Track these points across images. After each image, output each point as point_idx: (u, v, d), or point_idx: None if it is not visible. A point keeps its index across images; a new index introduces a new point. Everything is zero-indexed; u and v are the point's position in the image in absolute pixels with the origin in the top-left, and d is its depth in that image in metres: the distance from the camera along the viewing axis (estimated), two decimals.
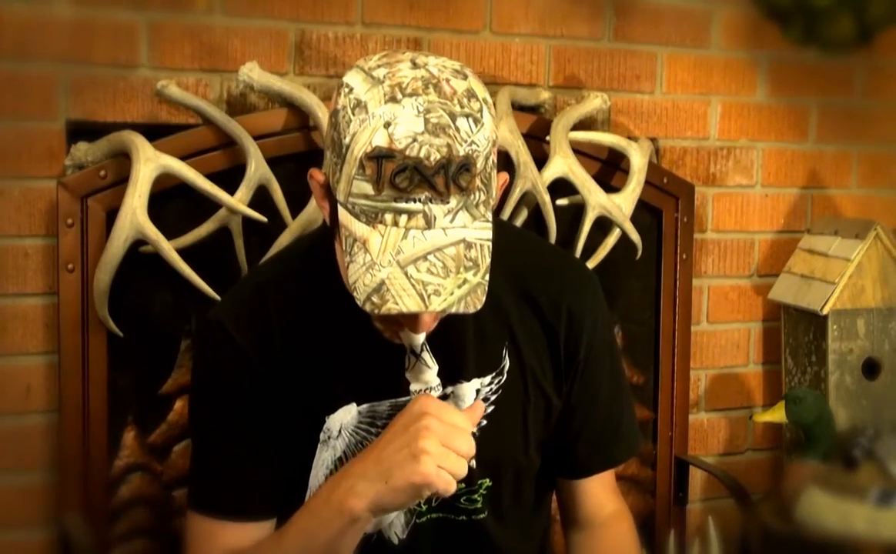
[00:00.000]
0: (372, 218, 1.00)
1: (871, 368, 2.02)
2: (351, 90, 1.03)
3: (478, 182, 1.01)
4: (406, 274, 0.98)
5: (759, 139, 2.13)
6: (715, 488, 2.08)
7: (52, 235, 1.60)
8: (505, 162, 1.74)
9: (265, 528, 1.21)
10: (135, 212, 1.54)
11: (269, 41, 1.73)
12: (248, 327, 1.19)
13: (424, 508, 1.23)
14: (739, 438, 2.18)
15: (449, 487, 1.04)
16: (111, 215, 1.57)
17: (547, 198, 1.79)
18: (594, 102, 1.93)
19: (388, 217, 0.99)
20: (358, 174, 0.99)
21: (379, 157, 0.98)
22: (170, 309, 1.66)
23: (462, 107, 1.00)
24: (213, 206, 1.62)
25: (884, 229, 2.00)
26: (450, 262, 0.99)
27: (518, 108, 1.86)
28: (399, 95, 0.99)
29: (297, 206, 1.65)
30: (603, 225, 1.88)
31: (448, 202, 0.99)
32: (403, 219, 0.99)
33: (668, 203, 1.98)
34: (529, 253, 1.32)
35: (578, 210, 1.86)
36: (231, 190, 1.61)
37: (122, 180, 1.57)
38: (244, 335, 1.19)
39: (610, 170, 1.93)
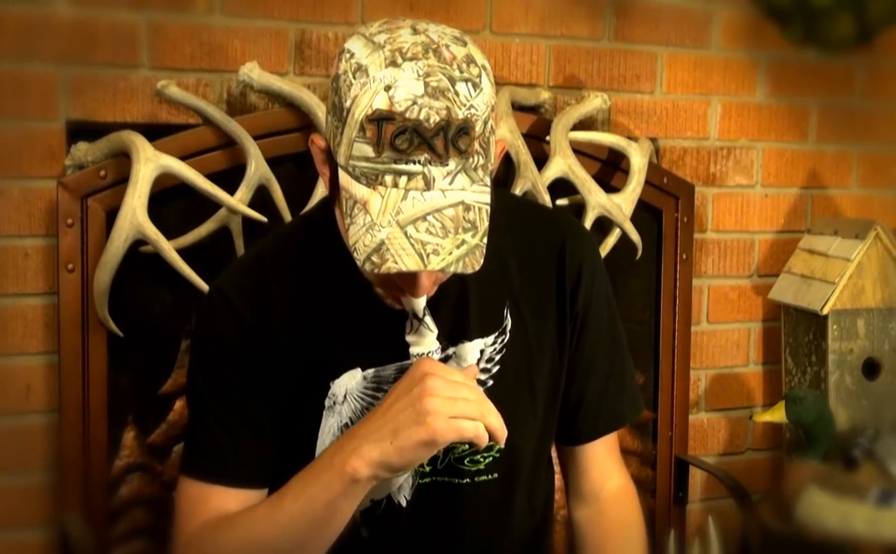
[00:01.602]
0: (372, 180, 1.01)
1: (871, 368, 2.02)
2: (352, 55, 1.04)
3: (476, 146, 1.02)
4: (405, 234, 1.00)
5: (759, 139, 2.13)
6: (715, 488, 2.08)
7: (52, 235, 1.60)
8: (505, 162, 1.75)
9: (257, 496, 1.21)
10: (135, 212, 1.54)
11: (269, 41, 1.73)
12: (248, 295, 1.20)
13: (428, 469, 1.23)
14: (739, 438, 2.18)
15: (464, 432, 1.05)
16: (111, 215, 1.57)
17: (547, 198, 1.79)
18: (594, 102, 1.93)
19: (388, 179, 1.01)
20: (358, 137, 1.01)
21: (379, 119, 0.99)
22: (170, 309, 1.66)
23: (461, 72, 1.02)
24: (213, 206, 1.62)
25: (884, 229, 2.00)
26: (448, 223, 1.01)
27: (518, 108, 1.86)
28: (399, 60, 1.01)
29: (297, 206, 1.65)
30: (603, 225, 1.88)
31: (447, 165, 1.01)
32: (403, 180, 1.01)
33: (668, 203, 1.98)
34: (527, 210, 1.35)
35: (578, 210, 1.86)
36: (231, 190, 1.61)
37: (122, 180, 1.57)
38: (245, 303, 1.20)
39: (610, 170, 1.93)
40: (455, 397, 1.06)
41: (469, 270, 1.01)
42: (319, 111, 1.66)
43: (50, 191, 1.60)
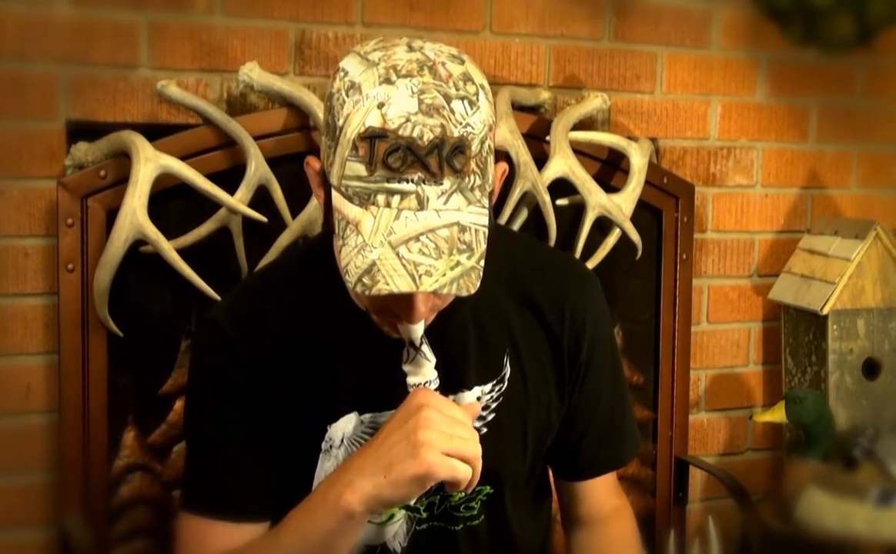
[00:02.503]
0: (364, 199, 0.99)
1: (871, 368, 2.02)
2: (346, 73, 1.02)
3: (473, 165, 1.00)
4: (397, 254, 0.97)
5: (759, 139, 2.13)
6: (715, 488, 2.08)
7: (52, 235, 1.60)
8: (505, 162, 1.74)
9: (260, 530, 1.19)
10: (135, 212, 1.54)
11: (269, 41, 1.73)
12: (245, 330, 1.19)
13: (425, 515, 1.23)
14: (739, 438, 2.18)
15: (457, 473, 1.02)
16: (111, 215, 1.57)
17: (547, 198, 1.79)
18: (594, 102, 1.93)
19: (381, 198, 0.98)
20: (351, 155, 0.99)
21: (372, 137, 0.97)
22: (170, 309, 1.66)
23: (457, 89, 1.00)
24: (213, 206, 1.62)
25: (884, 229, 2.00)
26: (442, 244, 0.98)
27: (518, 108, 1.86)
28: (393, 77, 0.99)
29: (297, 206, 1.65)
30: (603, 225, 1.88)
31: (441, 184, 0.98)
32: (396, 200, 0.98)
33: (668, 203, 1.98)
34: (529, 257, 1.31)
35: (578, 210, 1.86)
36: (231, 190, 1.61)
37: (122, 180, 1.57)
38: (242, 338, 1.18)
39: (610, 170, 1.93)
40: (451, 434, 1.03)
41: (464, 293, 0.98)
42: (319, 111, 1.66)
43: (50, 191, 1.60)
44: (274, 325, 1.19)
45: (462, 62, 1.03)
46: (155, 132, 1.62)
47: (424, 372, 1.11)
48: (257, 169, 1.63)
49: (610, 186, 1.91)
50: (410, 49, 1.03)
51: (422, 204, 0.98)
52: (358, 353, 1.18)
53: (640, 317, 2.00)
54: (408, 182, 0.98)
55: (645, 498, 2.01)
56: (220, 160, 1.66)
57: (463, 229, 0.99)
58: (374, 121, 0.97)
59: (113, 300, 1.59)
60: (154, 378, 1.67)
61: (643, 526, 1.95)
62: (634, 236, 1.89)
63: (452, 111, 0.98)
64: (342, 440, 1.19)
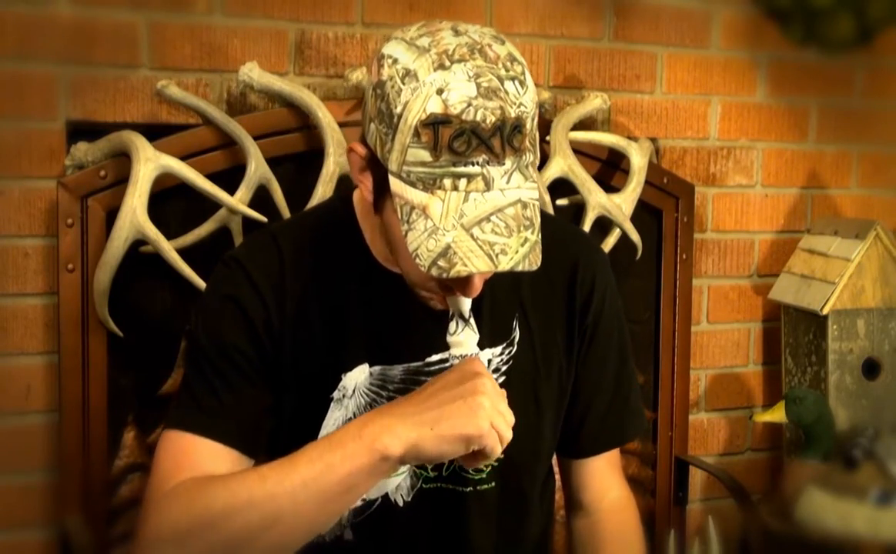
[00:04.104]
0: (430, 184, 1.01)
1: (871, 368, 2.02)
2: (395, 61, 1.04)
3: (527, 143, 1.03)
4: (472, 236, 1.00)
5: (759, 139, 2.13)
6: (715, 488, 2.08)
7: (52, 235, 1.60)
8: None
9: (248, 464, 1.15)
10: (135, 212, 1.54)
11: (269, 41, 1.73)
12: (265, 271, 1.18)
13: (433, 474, 1.23)
14: (739, 438, 2.19)
15: (496, 447, 1.05)
16: (111, 215, 1.57)
17: (547, 198, 1.79)
18: (594, 102, 1.93)
19: (447, 182, 1.00)
20: (413, 142, 1.00)
21: (435, 123, 0.99)
22: (170, 309, 1.66)
23: (507, 70, 1.02)
24: (213, 206, 1.62)
25: (884, 229, 2.00)
26: (511, 222, 1.01)
27: None
28: (447, 62, 1.01)
29: (297, 206, 1.65)
30: (603, 225, 1.88)
31: (504, 164, 1.01)
32: (463, 183, 1.01)
33: (668, 203, 1.98)
34: (544, 223, 1.33)
35: (578, 210, 1.86)
36: (231, 190, 1.61)
37: (122, 180, 1.57)
38: (261, 276, 1.18)
39: (610, 170, 1.93)
40: (499, 409, 1.06)
41: (533, 268, 1.02)
42: (319, 111, 1.66)
43: (50, 191, 1.60)
44: (291, 272, 1.19)
45: (503, 42, 1.06)
46: (155, 132, 1.62)
47: (468, 344, 1.14)
48: (257, 169, 1.63)
49: (610, 186, 1.91)
50: (456, 33, 1.05)
51: (488, 185, 1.01)
52: (371, 307, 1.19)
53: (640, 317, 2.01)
54: (473, 165, 1.00)
55: (645, 498, 2.01)
56: (220, 160, 1.66)
57: (525, 206, 1.02)
58: (435, 107, 0.99)
59: (113, 300, 1.59)
60: (154, 378, 1.66)
61: (643, 526, 1.95)
62: (634, 236, 1.89)
63: (507, 92, 1.01)
64: (354, 391, 1.20)
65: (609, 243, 1.89)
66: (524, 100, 1.02)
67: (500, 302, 1.24)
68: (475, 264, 0.99)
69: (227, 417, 1.15)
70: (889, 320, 2.02)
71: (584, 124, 1.91)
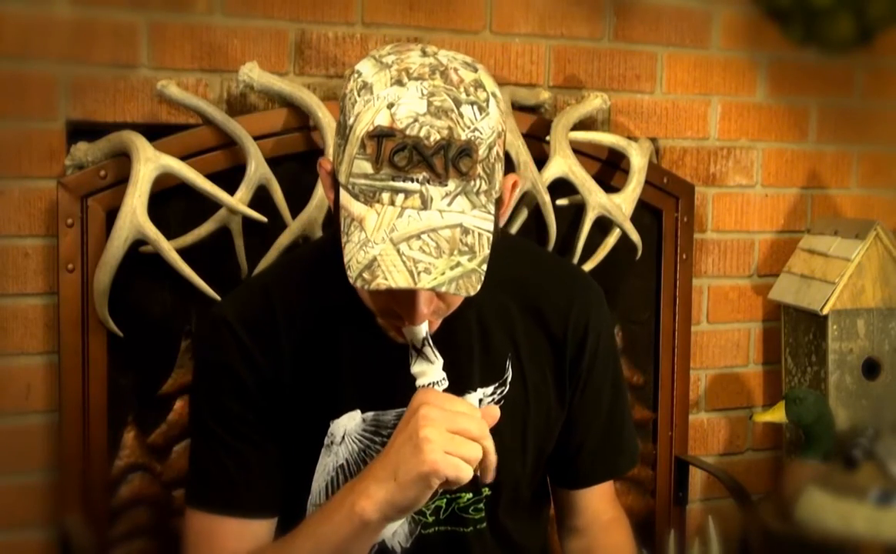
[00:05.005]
0: (370, 197, 1.00)
1: (871, 368, 2.02)
2: (359, 75, 1.05)
3: (479, 169, 1.01)
4: (398, 251, 0.98)
5: (759, 139, 2.13)
6: (715, 488, 2.08)
7: (52, 235, 1.60)
8: (505, 161, 1.74)
9: (267, 526, 1.20)
10: (135, 212, 1.54)
11: (269, 41, 1.73)
12: (254, 327, 1.19)
13: (431, 519, 1.23)
14: (739, 438, 2.18)
15: (460, 472, 1.02)
16: (111, 215, 1.57)
17: (547, 198, 1.79)
18: (594, 102, 1.93)
19: (386, 196, 1.00)
20: (359, 153, 1.00)
21: (380, 135, 0.99)
22: (170, 309, 1.66)
23: (468, 94, 1.01)
24: (213, 206, 1.62)
25: (884, 229, 2.00)
26: (444, 244, 0.99)
27: (518, 108, 1.86)
28: (405, 79, 1.01)
29: (297, 206, 1.65)
30: (603, 225, 1.88)
31: (446, 185, 1.00)
32: (400, 198, 0.99)
33: (668, 203, 1.98)
34: (535, 265, 1.32)
35: (578, 210, 1.86)
36: (231, 190, 1.61)
37: (122, 180, 1.57)
38: (250, 334, 1.19)
39: (610, 170, 1.93)
40: (454, 429, 1.03)
41: (463, 293, 0.99)
42: (319, 111, 1.66)
43: (50, 191, 1.60)
44: (282, 320, 1.20)
45: (475, 70, 1.05)
46: (155, 132, 1.62)
47: (432, 373, 1.11)
48: (257, 169, 1.63)
49: (610, 186, 1.91)
50: (424, 54, 1.05)
51: (425, 203, 0.99)
52: (363, 352, 1.19)
53: (640, 317, 2.00)
54: (412, 181, 0.99)
55: (645, 498, 2.01)
56: (220, 160, 1.66)
57: (466, 231, 1.00)
58: (382, 120, 0.99)
59: (113, 300, 1.59)
60: (154, 378, 1.67)
61: (643, 526, 1.96)
62: (634, 236, 1.89)
63: (461, 115, 1.00)
64: (343, 437, 1.20)
65: (609, 243, 1.89)
66: (480, 126, 1.00)
67: (493, 342, 1.23)
68: (395, 279, 0.97)
69: (239, 490, 1.18)
70: (889, 320, 2.02)
71: (584, 124, 1.91)
